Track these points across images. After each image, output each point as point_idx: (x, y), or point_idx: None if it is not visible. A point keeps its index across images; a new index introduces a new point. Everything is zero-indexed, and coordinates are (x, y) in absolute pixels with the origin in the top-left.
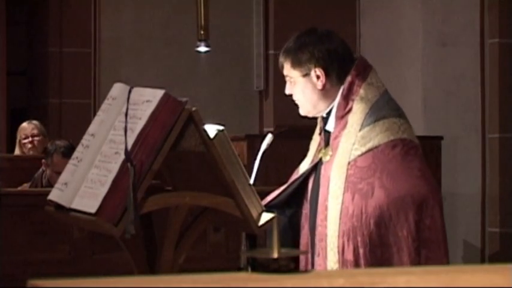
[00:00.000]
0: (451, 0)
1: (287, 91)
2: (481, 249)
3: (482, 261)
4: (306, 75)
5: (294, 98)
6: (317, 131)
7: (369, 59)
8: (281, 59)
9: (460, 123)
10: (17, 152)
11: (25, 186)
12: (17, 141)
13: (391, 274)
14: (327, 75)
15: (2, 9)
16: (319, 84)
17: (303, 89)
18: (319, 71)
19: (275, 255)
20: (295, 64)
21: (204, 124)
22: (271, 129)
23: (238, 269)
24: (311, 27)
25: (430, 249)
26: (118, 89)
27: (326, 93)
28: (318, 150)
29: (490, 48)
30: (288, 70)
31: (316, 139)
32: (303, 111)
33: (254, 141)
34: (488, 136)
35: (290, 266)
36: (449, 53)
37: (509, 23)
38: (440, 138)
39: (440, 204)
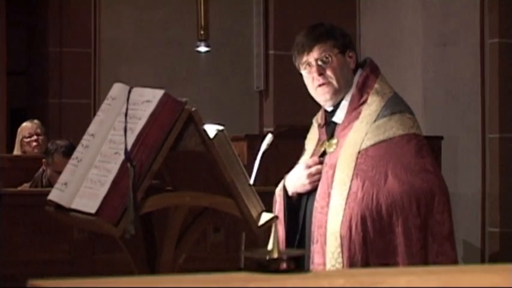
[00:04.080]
0: (451, 0)
1: (319, 71)
2: (481, 249)
3: (482, 261)
4: (342, 52)
5: (327, 76)
6: (313, 129)
7: None
8: (314, 39)
9: (460, 123)
10: (17, 151)
11: (25, 186)
12: (18, 140)
13: (392, 274)
14: (356, 58)
15: (2, 9)
16: (352, 63)
17: (341, 65)
18: (351, 53)
19: (275, 255)
20: (336, 41)
21: (204, 124)
22: (271, 129)
23: (238, 269)
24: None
25: (440, 244)
26: (118, 89)
27: (352, 78)
28: (320, 145)
29: (490, 48)
30: (327, 47)
31: (312, 138)
32: (329, 92)
33: (254, 141)
34: (488, 136)
35: (290, 266)
36: (449, 53)
37: (509, 23)
38: (440, 138)
39: (449, 201)
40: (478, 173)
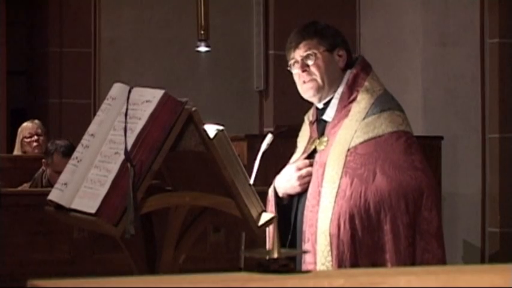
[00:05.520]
0: (451, 0)
1: (303, 68)
2: (481, 249)
3: (482, 261)
4: (330, 50)
5: (311, 73)
6: (305, 126)
7: (368, 59)
8: (301, 37)
9: (460, 123)
10: (17, 151)
11: (25, 186)
12: (18, 140)
13: (392, 274)
14: (347, 56)
15: (2, 9)
16: (341, 62)
17: (327, 63)
18: (342, 52)
19: (275, 255)
20: (323, 39)
21: (204, 124)
22: (271, 129)
23: (238, 269)
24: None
25: (427, 242)
26: (118, 89)
27: (339, 76)
28: (310, 142)
29: (490, 48)
30: (313, 45)
31: (304, 135)
32: (313, 88)
33: (254, 141)
34: (488, 136)
35: (290, 266)
36: (449, 53)
37: (509, 23)
38: (440, 138)
39: (439, 199)
40: (478, 173)
